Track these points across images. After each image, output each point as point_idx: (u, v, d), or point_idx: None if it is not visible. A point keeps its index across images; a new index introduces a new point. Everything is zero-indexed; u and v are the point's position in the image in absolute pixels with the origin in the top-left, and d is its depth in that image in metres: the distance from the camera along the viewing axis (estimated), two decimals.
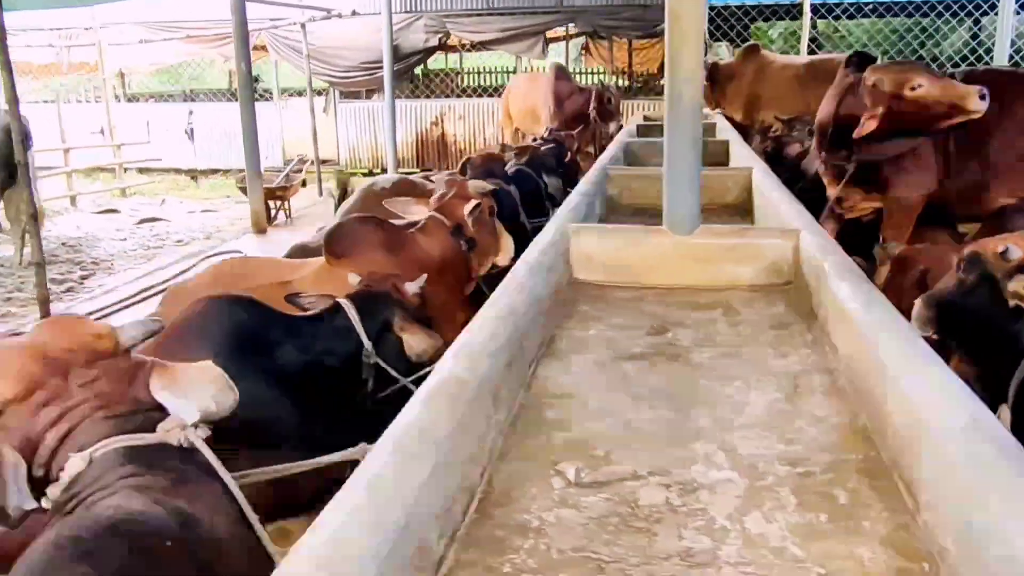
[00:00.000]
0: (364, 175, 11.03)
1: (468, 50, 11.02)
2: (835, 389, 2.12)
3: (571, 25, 10.10)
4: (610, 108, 7.60)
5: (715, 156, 6.43)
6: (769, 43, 13.30)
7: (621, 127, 7.89)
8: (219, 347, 2.24)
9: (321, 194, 9.29)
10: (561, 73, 8.40)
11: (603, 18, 9.86)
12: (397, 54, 10.12)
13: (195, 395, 1.34)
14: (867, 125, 3.75)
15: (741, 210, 4.57)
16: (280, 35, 10.30)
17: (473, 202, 3.35)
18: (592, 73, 12.41)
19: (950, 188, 3.84)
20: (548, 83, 8.28)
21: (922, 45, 12.73)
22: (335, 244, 3.08)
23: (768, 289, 2.96)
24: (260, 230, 7.21)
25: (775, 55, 8.63)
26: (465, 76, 11.91)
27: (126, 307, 4.98)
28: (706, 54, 9.55)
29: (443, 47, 10.48)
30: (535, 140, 6.14)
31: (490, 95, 11.20)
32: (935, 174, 3.89)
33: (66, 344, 1.34)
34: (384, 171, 10.90)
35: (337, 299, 2.67)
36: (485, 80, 12.02)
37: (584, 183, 4.21)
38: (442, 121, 10.67)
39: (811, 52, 10.44)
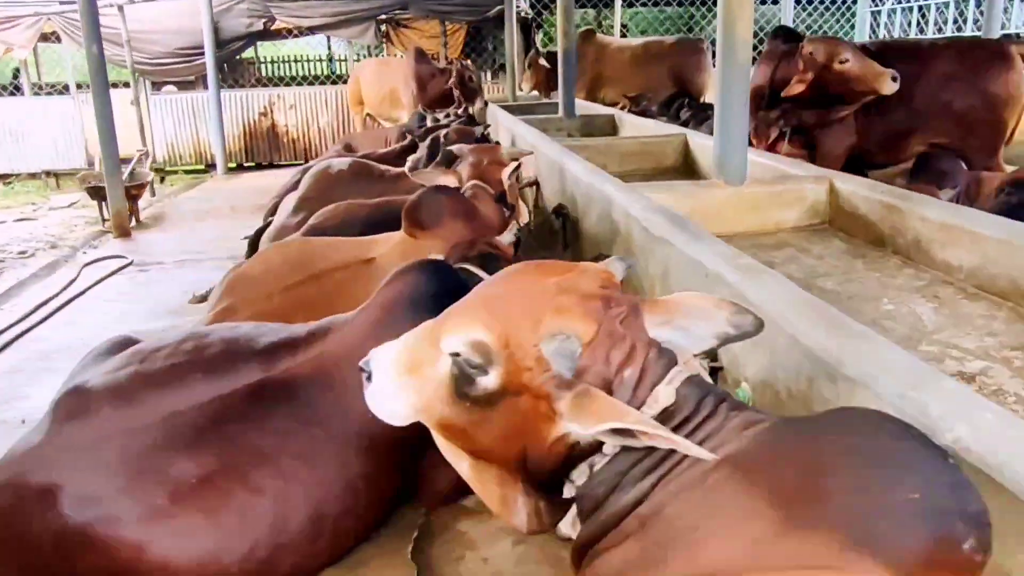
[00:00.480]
0: (187, 172, 10.10)
1: (295, 36, 10.47)
2: (970, 295, 2.50)
3: (400, 11, 9.98)
4: (472, 87, 7.67)
5: (604, 129, 6.84)
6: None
7: (486, 104, 8.01)
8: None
9: (154, 194, 8.40)
10: (421, 56, 8.30)
11: (436, 3, 9.88)
12: (217, 39, 9.39)
13: (701, 325, 1.33)
14: (794, 87, 4.27)
15: (683, 172, 4.94)
16: (77, 20, 9.00)
17: (513, 165, 3.36)
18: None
19: (871, 139, 4.49)
20: (409, 65, 8.15)
21: (689, 30, 14.24)
22: (418, 216, 2.96)
23: (811, 229, 3.33)
24: (123, 233, 6.40)
25: (609, 38, 9.26)
26: (263, 65, 11.17)
27: (30, 328, 4.25)
28: (535, 46, 9.95)
29: (268, 33, 9.86)
30: (448, 117, 6.07)
31: (310, 83, 10.70)
32: (854, 130, 4.53)
33: (598, 283, 1.27)
34: (211, 167, 10.07)
35: (465, 265, 2.60)
36: (284, 70, 11.35)
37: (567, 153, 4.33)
38: (271, 111, 10.05)
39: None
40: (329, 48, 11.97)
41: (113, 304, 4.67)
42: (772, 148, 4.61)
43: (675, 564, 1.11)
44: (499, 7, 9.78)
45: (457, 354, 1.29)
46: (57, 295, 4.80)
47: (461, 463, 1.48)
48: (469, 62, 8.25)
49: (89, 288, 4.96)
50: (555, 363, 1.18)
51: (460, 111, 6.03)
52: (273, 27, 9.70)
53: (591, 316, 1.22)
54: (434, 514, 2.26)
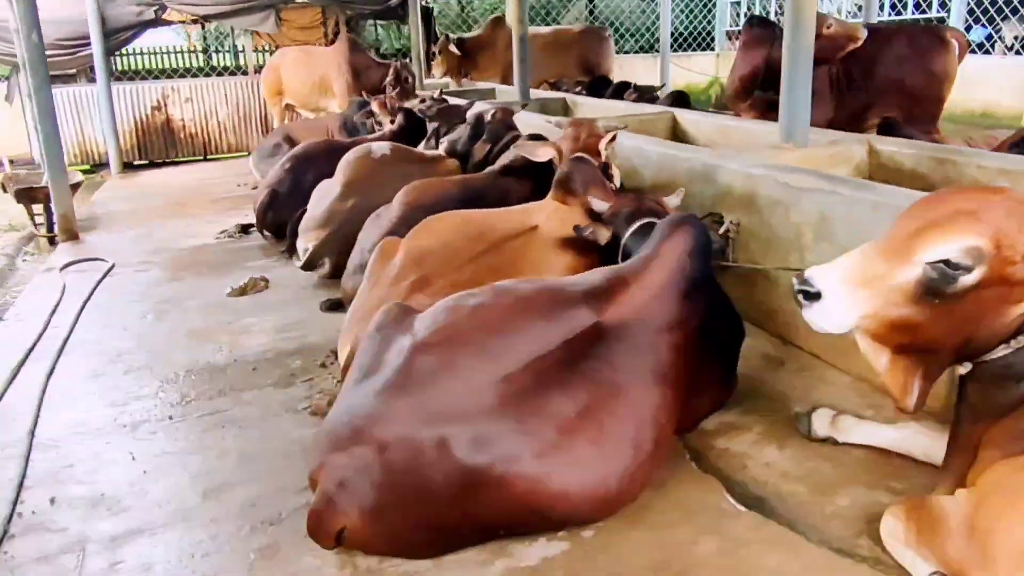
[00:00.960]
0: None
1: (192, 23, 9.83)
2: None
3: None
4: (407, 87, 7.62)
5: (557, 112, 7.19)
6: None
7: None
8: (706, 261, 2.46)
9: None
10: (355, 45, 8.19)
11: None
12: (104, 29, 8.68)
13: None
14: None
15: None
16: None
17: (609, 136, 3.63)
18: (263, 51, 11.74)
19: (843, 111, 5.21)
20: (342, 53, 8.01)
21: (546, 17, 14.96)
22: (571, 185, 3.21)
23: None
24: (72, 236, 5.89)
25: None
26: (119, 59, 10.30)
27: (68, 334, 3.94)
28: (446, 34, 10.10)
29: (159, 22, 9.20)
30: (424, 102, 6.12)
31: (168, 77, 10.04)
32: (831, 105, 5.24)
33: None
34: (98, 166, 9.33)
35: (652, 220, 2.89)
36: (141, 63, 10.52)
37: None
38: (165, 104, 9.42)
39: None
40: (204, 38, 11.38)
41: (136, 304, 4.43)
42: None
43: None
44: None
45: (943, 261, 1.63)
46: (60, 301, 4.47)
47: (881, 358, 1.82)
48: (408, 60, 8.25)
49: (93, 291, 4.65)
50: None
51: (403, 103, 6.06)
52: (164, 16, 9.13)
53: None
54: (684, 439, 2.56)
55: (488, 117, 4.58)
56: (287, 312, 4.11)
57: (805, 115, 3.74)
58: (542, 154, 3.65)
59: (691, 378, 2.37)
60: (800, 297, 1.79)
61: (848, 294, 1.74)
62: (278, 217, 5.26)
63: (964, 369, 1.84)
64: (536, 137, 4.25)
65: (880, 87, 5.11)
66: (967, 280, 1.63)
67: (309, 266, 4.45)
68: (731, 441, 2.55)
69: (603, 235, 2.95)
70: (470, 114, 5.02)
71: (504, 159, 4.23)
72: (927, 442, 2.24)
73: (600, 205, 3.09)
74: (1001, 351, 1.72)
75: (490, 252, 2.97)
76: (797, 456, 2.43)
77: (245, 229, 5.83)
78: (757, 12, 11.85)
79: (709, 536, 2.09)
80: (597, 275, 2.38)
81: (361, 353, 2.24)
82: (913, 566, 1.83)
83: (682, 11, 12.55)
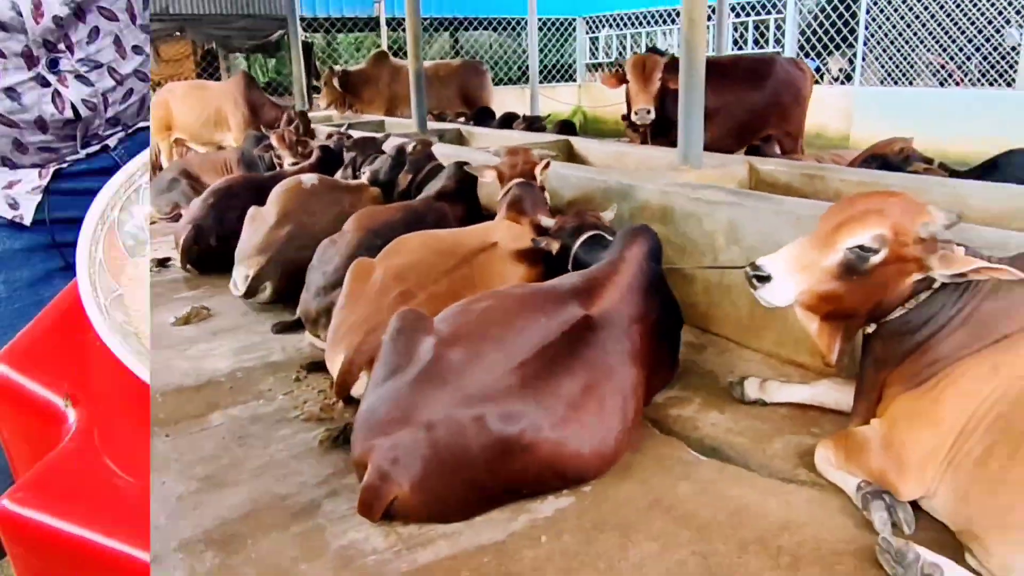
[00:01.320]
0: None
1: None
2: None
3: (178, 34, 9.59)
4: (301, 136, 7.63)
5: (453, 141, 7.66)
6: None
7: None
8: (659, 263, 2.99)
9: None
10: (251, 80, 8.25)
11: (215, 27, 9.65)
12: None
13: None
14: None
15: None
16: None
17: (543, 163, 4.13)
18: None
19: (725, 133, 5.96)
20: (238, 88, 8.06)
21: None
22: (522, 206, 3.68)
23: None
24: None
25: (402, 61, 9.98)
26: None
27: None
28: (330, 68, 10.33)
29: None
30: (331, 137, 6.39)
31: None
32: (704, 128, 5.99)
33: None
34: None
35: (597, 232, 3.42)
36: None
37: None
38: None
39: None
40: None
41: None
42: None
43: (1003, 326, 2.17)
44: (280, 31, 10.02)
45: (859, 246, 2.22)
46: None
47: (812, 324, 2.40)
48: (304, 111, 8.44)
49: None
50: (940, 236, 2.17)
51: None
52: None
53: (931, 209, 2.24)
54: (644, 411, 3.06)
55: (410, 148, 4.97)
56: (239, 336, 4.30)
57: (699, 141, 4.40)
58: (488, 175, 4.10)
59: (653, 360, 2.88)
60: (754, 280, 2.34)
61: (791, 276, 2.30)
62: (203, 251, 5.38)
63: (870, 329, 2.45)
64: (462, 164, 4.71)
65: (762, 109, 5.93)
66: (876, 259, 2.24)
67: (251, 293, 4.64)
68: (681, 410, 3.08)
69: (555, 246, 3.44)
70: (389, 146, 5.39)
71: (434, 186, 4.65)
72: (837, 395, 2.86)
73: (548, 222, 3.59)
74: (899, 311, 2.33)
75: (461, 266, 3.37)
76: (735, 416, 3.00)
77: (162, 263, 5.87)
78: (614, 48, 12.91)
79: (684, 480, 2.60)
80: (575, 277, 2.86)
81: (385, 355, 2.58)
82: (844, 482, 2.40)
83: (545, 44, 13.42)
